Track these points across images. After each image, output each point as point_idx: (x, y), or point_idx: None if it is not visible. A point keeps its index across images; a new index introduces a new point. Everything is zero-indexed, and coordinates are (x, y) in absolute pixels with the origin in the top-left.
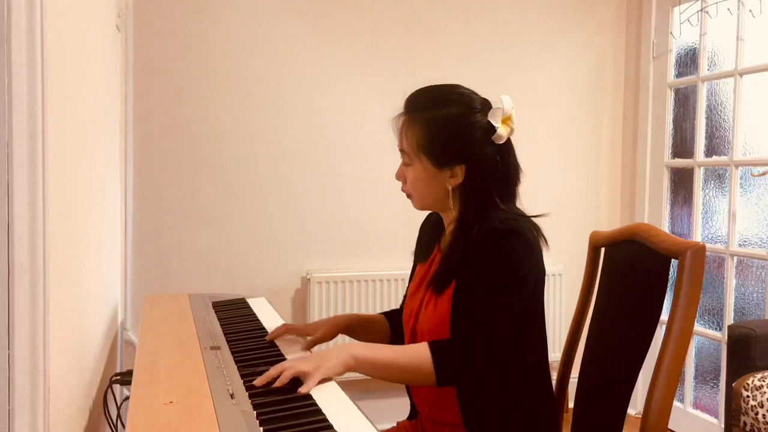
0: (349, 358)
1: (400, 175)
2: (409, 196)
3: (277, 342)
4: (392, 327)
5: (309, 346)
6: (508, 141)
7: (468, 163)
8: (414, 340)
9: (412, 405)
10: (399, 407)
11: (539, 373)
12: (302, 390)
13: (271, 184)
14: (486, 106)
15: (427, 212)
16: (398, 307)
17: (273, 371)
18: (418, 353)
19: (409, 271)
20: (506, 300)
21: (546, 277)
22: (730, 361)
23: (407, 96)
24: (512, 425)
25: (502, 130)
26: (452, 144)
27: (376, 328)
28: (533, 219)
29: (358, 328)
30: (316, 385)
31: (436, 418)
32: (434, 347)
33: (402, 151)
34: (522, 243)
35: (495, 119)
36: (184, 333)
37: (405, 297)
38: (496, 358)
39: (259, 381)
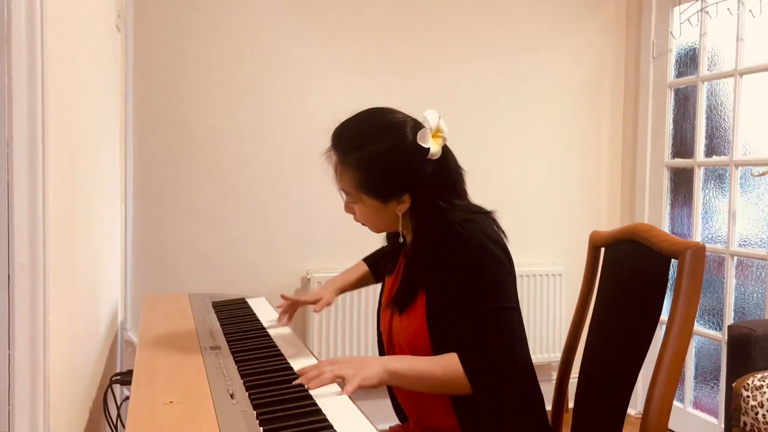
0: (383, 373)
1: (348, 209)
2: (363, 224)
3: (277, 342)
4: (374, 271)
5: (320, 309)
6: (444, 148)
7: (412, 191)
8: (392, 352)
9: (400, 410)
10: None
11: (529, 372)
12: (345, 392)
13: (272, 184)
14: (416, 126)
15: None
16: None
17: (312, 372)
18: (450, 364)
19: None
20: (502, 300)
21: (546, 277)
22: (730, 361)
23: (333, 130)
24: (507, 427)
25: (434, 148)
26: (391, 179)
27: (365, 281)
28: (488, 213)
29: (351, 287)
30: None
31: (425, 423)
32: (464, 357)
33: (342, 190)
34: (489, 240)
35: (425, 141)
36: (184, 333)
37: (378, 309)
38: (515, 360)
39: (300, 379)
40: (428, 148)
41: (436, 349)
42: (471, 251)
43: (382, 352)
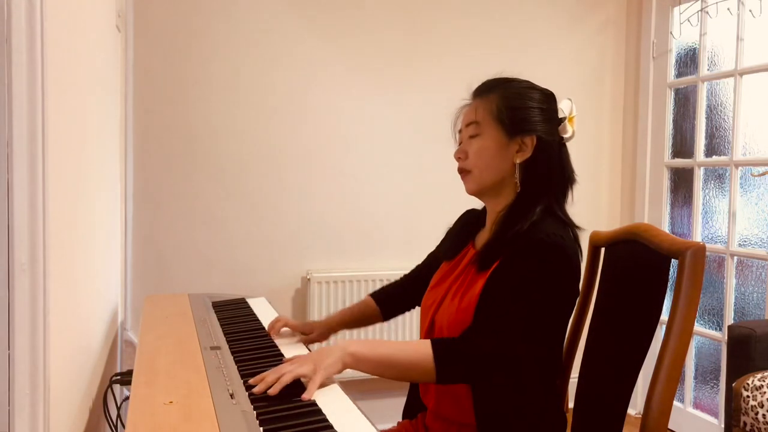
0: (345, 355)
1: (461, 151)
2: (465, 174)
3: (277, 342)
4: (382, 307)
5: (306, 342)
6: (566, 145)
7: (539, 136)
8: (431, 332)
9: (414, 400)
10: (399, 407)
11: (551, 382)
12: (306, 396)
13: (272, 184)
14: (553, 96)
15: (456, 217)
16: (389, 282)
17: (271, 376)
18: (417, 349)
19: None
20: (535, 313)
21: None
22: (730, 361)
23: (479, 85)
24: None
25: (568, 126)
26: (529, 112)
27: (368, 317)
28: (576, 231)
29: (351, 323)
30: (318, 387)
31: (442, 413)
32: (437, 344)
33: (469, 124)
34: (564, 262)
35: (564, 110)
36: (184, 333)
37: (404, 279)
38: (505, 368)
39: (258, 388)
40: (563, 119)
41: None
42: (541, 263)
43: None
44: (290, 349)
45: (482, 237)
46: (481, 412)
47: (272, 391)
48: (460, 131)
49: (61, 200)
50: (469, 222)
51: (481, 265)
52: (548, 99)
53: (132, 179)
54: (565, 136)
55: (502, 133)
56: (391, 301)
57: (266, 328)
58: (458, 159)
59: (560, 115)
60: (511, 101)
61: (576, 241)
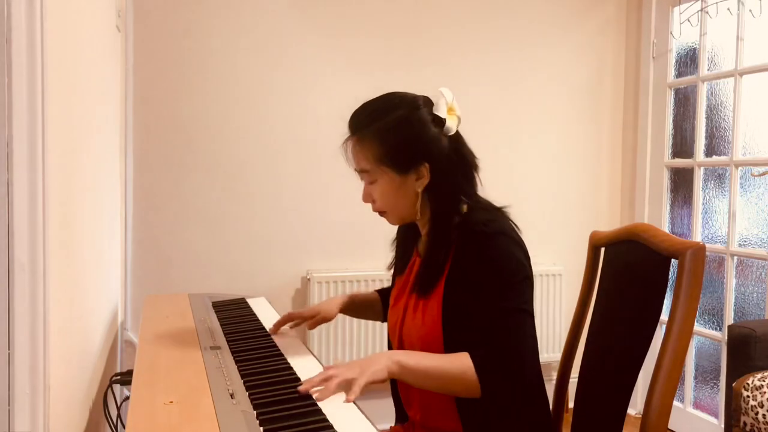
0: (392, 364)
1: (367, 196)
2: (382, 213)
3: (278, 342)
4: (385, 308)
5: (312, 326)
6: (458, 132)
7: (430, 160)
8: (402, 348)
9: (401, 409)
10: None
11: (537, 378)
12: (348, 398)
13: (272, 184)
14: (428, 102)
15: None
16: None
17: (317, 378)
18: (461, 362)
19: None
20: (518, 302)
21: (546, 277)
22: (730, 361)
23: (348, 119)
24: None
25: (450, 121)
26: (410, 145)
27: (371, 308)
28: (504, 210)
29: (355, 307)
30: (361, 390)
31: (429, 425)
32: (476, 356)
33: (362, 171)
34: (512, 243)
35: (440, 111)
36: (184, 333)
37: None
38: (526, 364)
39: (303, 387)
40: (444, 120)
41: (449, 346)
42: (494, 253)
43: None
44: (290, 349)
45: (424, 243)
46: (466, 418)
47: (320, 397)
48: (356, 171)
49: (61, 200)
50: (410, 230)
51: (424, 290)
52: (420, 114)
53: (132, 179)
54: (451, 132)
55: (394, 173)
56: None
57: (267, 328)
58: (366, 202)
59: (442, 116)
60: (391, 141)
61: (507, 217)
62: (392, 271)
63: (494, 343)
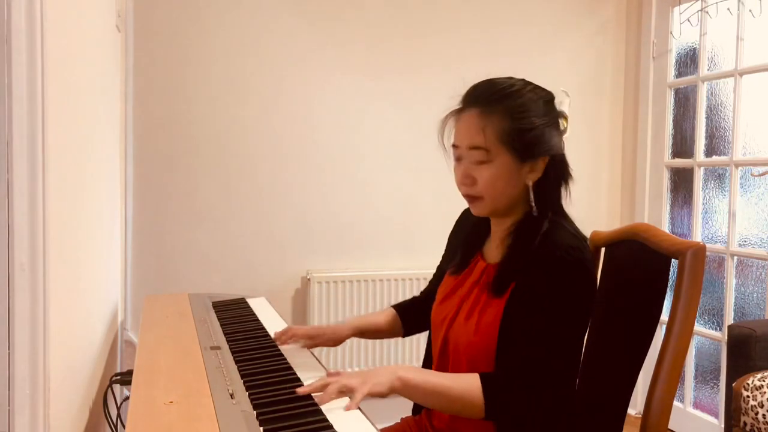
0: (395, 379)
1: (466, 177)
2: (475, 199)
3: (277, 342)
4: (405, 322)
5: (310, 347)
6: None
7: (551, 155)
8: (445, 350)
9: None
10: (400, 406)
11: (572, 403)
12: (348, 407)
13: (272, 184)
14: (553, 98)
15: (456, 218)
16: (414, 296)
17: (318, 383)
18: (468, 383)
19: (411, 271)
20: (566, 336)
21: None
22: (730, 361)
23: (468, 90)
24: None
25: (565, 126)
26: (541, 133)
27: (388, 330)
28: (586, 241)
29: (368, 332)
30: (361, 400)
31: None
32: (485, 380)
33: (473, 147)
34: (587, 279)
35: (564, 111)
36: (184, 333)
37: (423, 295)
38: (550, 396)
39: (303, 389)
40: (567, 118)
41: (499, 357)
42: (567, 284)
43: (428, 359)
44: (290, 350)
45: (491, 250)
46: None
47: (320, 401)
48: (455, 146)
49: (61, 200)
50: (471, 225)
51: (498, 290)
52: (550, 106)
53: (132, 179)
54: (565, 137)
55: (514, 158)
56: (413, 317)
57: (266, 329)
58: (463, 184)
59: (561, 118)
60: (520, 121)
61: (589, 250)
62: (438, 265)
63: (526, 368)
